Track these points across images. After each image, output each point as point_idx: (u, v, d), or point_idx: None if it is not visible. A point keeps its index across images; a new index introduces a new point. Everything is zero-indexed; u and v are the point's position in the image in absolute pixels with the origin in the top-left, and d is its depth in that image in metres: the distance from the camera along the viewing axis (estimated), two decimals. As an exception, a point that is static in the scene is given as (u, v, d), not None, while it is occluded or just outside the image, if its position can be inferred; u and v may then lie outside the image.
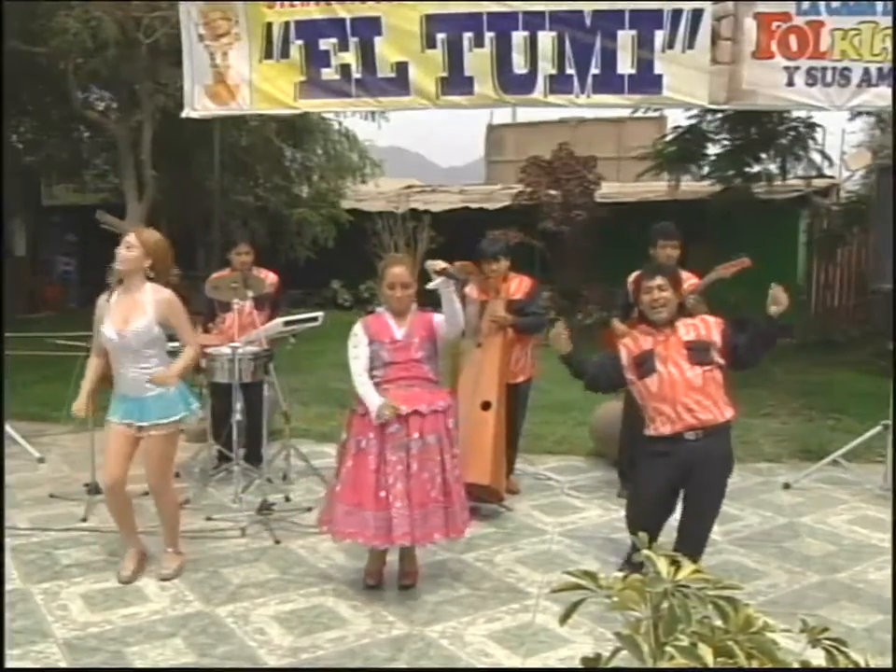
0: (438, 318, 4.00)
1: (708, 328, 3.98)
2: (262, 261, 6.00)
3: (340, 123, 13.53)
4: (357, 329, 4.01)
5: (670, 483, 3.93)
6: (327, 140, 13.66)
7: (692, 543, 3.81)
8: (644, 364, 3.95)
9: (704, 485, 3.91)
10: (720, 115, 10.37)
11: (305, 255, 13.08)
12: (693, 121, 11.27)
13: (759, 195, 11.60)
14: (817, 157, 11.32)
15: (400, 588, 3.99)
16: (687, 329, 3.97)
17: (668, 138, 12.00)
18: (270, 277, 5.82)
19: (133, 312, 3.93)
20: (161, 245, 4.03)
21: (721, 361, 3.91)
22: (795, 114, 10.50)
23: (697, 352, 3.88)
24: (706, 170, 11.69)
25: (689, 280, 5.13)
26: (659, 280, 3.96)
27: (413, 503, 3.77)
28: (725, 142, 11.33)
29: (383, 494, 3.76)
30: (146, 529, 4.67)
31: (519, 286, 5.28)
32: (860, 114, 10.08)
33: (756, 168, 11.34)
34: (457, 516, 3.93)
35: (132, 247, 3.94)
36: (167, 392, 3.96)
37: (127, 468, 4.04)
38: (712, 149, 11.47)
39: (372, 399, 3.83)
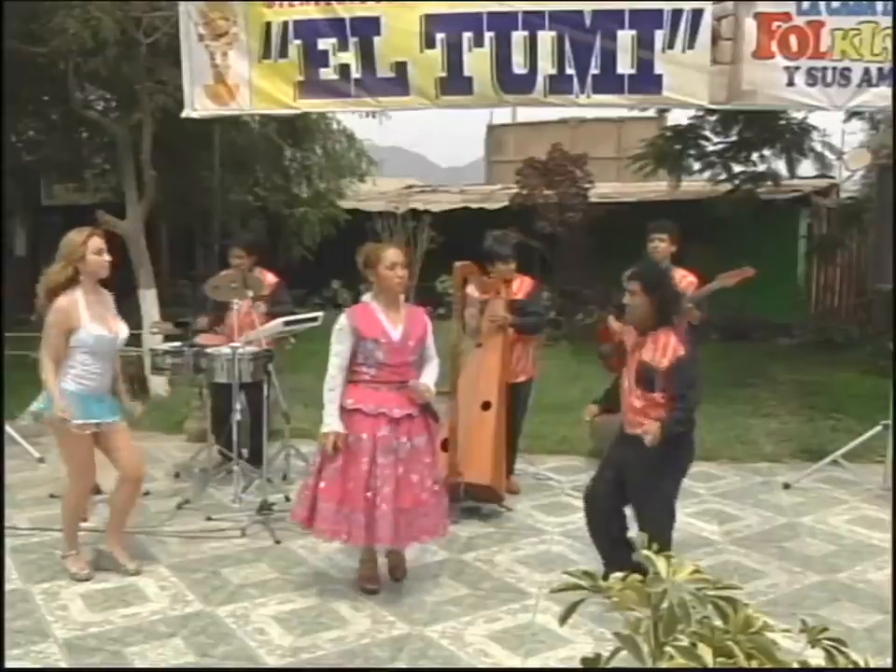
0: (428, 323, 3.99)
1: (665, 352, 3.70)
2: (262, 261, 5.97)
3: (338, 122, 13.51)
4: (343, 322, 3.81)
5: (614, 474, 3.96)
6: (326, 139, 13.63)
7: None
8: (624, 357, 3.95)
9: (633, 485, 3.83)
10: (717, 114, 10.31)
11: (302, 254, 13.07)
12: (692, 121, 11.23)
13: (759, 195, 11.56)
14: (823, 151, 11.19)
15: (394, 581, 4.01)
16: (650, 349, 3.76)
17: (666, 136, 11.95)
18: (267, 278, 5.77)
19: (110, 312, 4.05)
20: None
21: (660, 398, 3.70)
22: (794, 114, 10.47)
23: (644, 378, 3.76)
24: (704, 169, 11.63)
25: (685, 278, 5.15)
26: (632, 285, 3.81)
27: (401, 506, 3.75)
28: (721, 139, 11.27)
29: (370, 494, 3.73)
30: (146, 529, 4.67)
31: (521, 286, 5.29)
32: (857, 114, 10.04)
33: (761, 167, 11.28)
34: (442, 516, 4.00)
35: (103, 251, 3.98)
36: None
37: None
38: (710, 147, 11.42)
39: (331, 418, 3.75)
